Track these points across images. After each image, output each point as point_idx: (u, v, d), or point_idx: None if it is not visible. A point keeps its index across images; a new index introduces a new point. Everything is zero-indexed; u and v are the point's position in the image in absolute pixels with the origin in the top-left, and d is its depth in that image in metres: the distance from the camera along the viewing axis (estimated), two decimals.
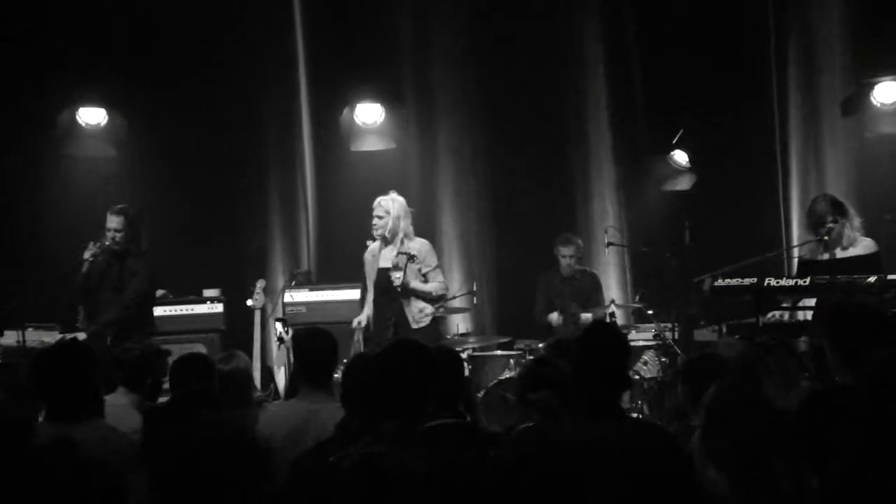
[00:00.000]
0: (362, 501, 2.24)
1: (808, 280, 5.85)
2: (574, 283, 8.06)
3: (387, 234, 7.00)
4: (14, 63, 8.56)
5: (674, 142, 8.77)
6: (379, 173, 8.58)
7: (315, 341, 4.40)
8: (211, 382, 4.38)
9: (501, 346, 7.76)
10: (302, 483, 3.27)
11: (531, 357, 6.70)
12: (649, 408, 6.90)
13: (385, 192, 7.14)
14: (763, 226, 8.53)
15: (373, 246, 7.18)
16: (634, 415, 6.62)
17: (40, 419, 3.80)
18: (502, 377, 7.08)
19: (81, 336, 6.67)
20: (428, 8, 9.07)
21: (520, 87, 8.92)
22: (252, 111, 8.95)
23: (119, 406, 4.45)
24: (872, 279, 5.67)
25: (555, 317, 7.86)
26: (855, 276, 5.74)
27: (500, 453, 3.07)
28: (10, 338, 7.16)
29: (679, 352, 6.97)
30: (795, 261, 6.84)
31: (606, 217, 8.93)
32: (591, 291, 8.10)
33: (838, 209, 6.37)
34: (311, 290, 8.22)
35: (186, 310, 8.13)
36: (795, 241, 7.96)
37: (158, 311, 7.67)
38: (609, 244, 8.18)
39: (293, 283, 8.28)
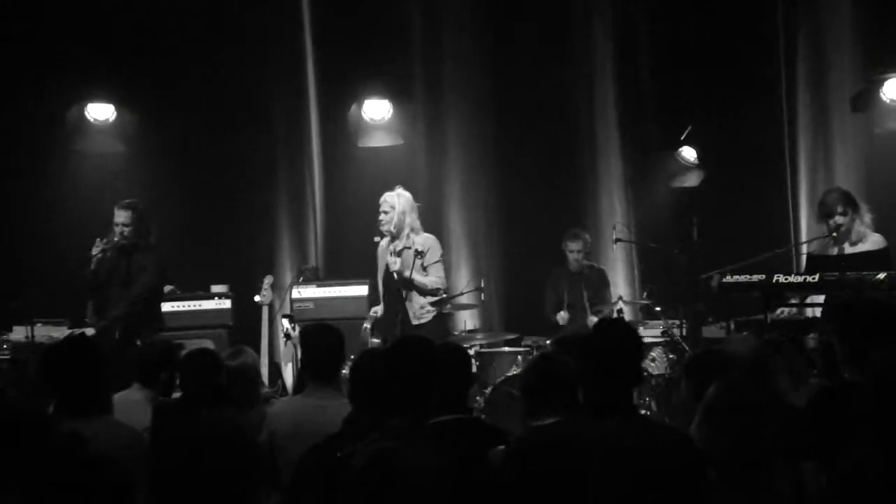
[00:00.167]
0: (375, 497, 2.24)
1: (816, 276, 5.84)
2: (582, 278, 8.05)
3: (392, 230, 7.01)
4: (23, 59, 8.58)
5: (682, 138, 8.75)
6: (386, 169, 8.58)
7: (322, 337, 4.40)
8: (219, 378, 4.39)
9: (509, 343, 7.75)
10: (309, 478, 3.28)
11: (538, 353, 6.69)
12: (657, 404, 6.89)
13: (392, 188, 7.15)
14: (771, 222, 8.50)
15: (384, 241, 7.19)
16: (643, 412, 6.61)
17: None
18: (509, 374, 7.07)
19: (90, 331, 6.68)
20: (436, 4, 9.06)
21: (527, 83, 8.91)
22: (260, 107, 8.96)
23: (133, 402, 4.45)
24: (882, 275, 5.65)
25: (563, 315, 7.85)
26: (864, 273, 5.72)
27: (506, 451, 3.06)
28: (19, 333, 7.19)
29: (687, 348, 6.96)
30: (804, 257, 6.82)
31: (614, 213, 8.92)
32: (599, 287, 8.08)
33: (849, 202, 6.36)
34: (319, 286, 8.23)
35: (194, 305, 8.14)
36: (804, 238, 7.94)
37: (166, 306, 7.68)
38: (617, 240, 8.17)
39: (301, 279, 8.28)
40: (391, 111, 8.97)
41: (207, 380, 4.27)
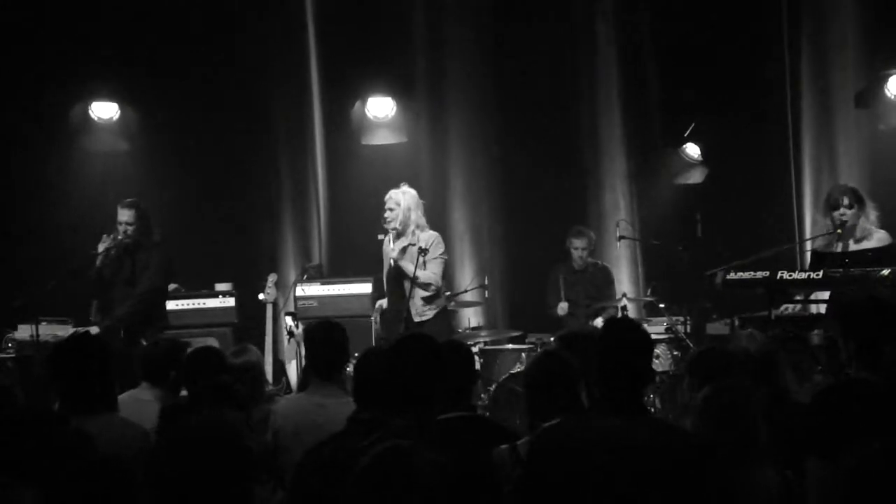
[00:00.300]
0: (383, 496, 2.23)
1: (820, 273, 5.83)
2: (586, 275, 8.05)
3: (398, 227, 7.01)
4: (27, 57, 8.59)
5: (686, 135, 8.74)
6: (390, 167, 8.58)
7: (326, 335, 4.40)
8: (223, 377, 4.39)
9: (513, 340, 7.76)
10: (313, 476, 3.28)
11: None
12: (661, 402, 6.89)
13: (396, 186, 7.15)
14: (775, 219, 8.49)
15: (388, 238, 7.18)
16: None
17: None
18: (513, 371, 7.08)
19: (94, 330, 6.69)
20: (439, 2, 9.06)
21: (531, 80, 8.90)
22: (264, 104, 8.96)
23: (142, 401, 4.46)
24: (886, 272, 5.64)
25: (563, 306, 7.83)
26: (868, 269, 5.72)
27: (525, 449, 3.05)
28: (24, 331, 7.20)
29: (691, 345, 6.95)
30: (808, 254, 6.81)
31: (618, 210, 8.91)
32: (602, 284, 8.08)
33: (856, 197, 6.36)
34: (323, 283, 8.23)
35: (198, 304, 8.15)
36: (808, 234, 7.93)
37: (171, 305, 7.70)
38: (621, 237, 8.17)
39: (305, 276, 8.29)
40: (395, 109, 8.97)
41: (212, 378, 4.27)
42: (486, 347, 7.58)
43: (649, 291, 8.06)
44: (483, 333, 7.77)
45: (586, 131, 9.09)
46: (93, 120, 8.89)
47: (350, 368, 4.56)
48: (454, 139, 9.12)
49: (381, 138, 9.07)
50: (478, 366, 6.43)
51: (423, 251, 6.87)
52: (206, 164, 8.85)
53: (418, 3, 9.05)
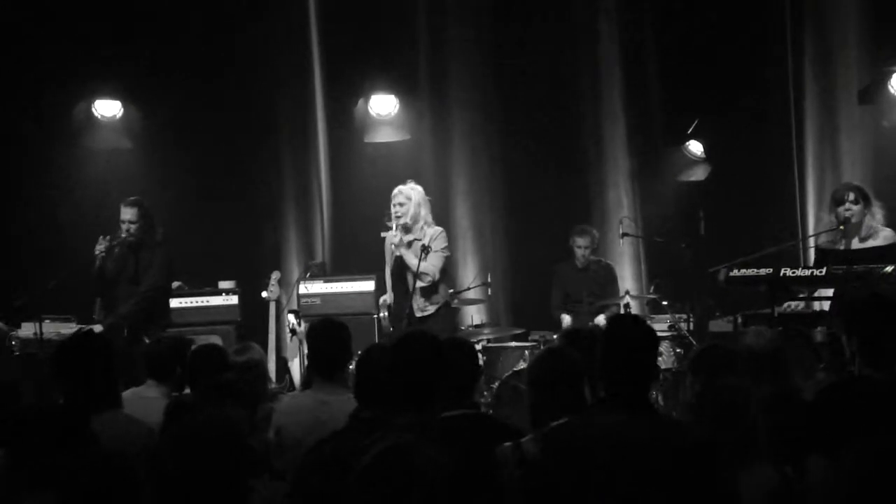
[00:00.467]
0: (387, 493, 2.24)
1: (823, 270, 5.82)
2: (589, 273, 8.05)
3: (408, 221, 7.02)
4: (30, 55, 8.60)
5: (689, 132, 8.73)
6: (393, 164, 8.58)
7: (329, 333, 4.40)
8: (227, 375, 4.39)
9: (516, 338, 7.75)
10: (315, 474, 3.28)
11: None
12: (664, 399, 6.89)
13: (399, 184, 7.15)
14: (779, 216, 8.48)
15: (391, 234, 7.18)
16: None
17: None
18: (517, 368, 7.08)
19: (98, 328, 6.70)
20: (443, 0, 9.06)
21: (534, 77, 8.89)
22: (267, 102, 8.96)
23: (147, 398, 4.47)
24: (890, 269, 5.63)
25: (567, 319, 7.83)
26: (872, 266, 5.71)
27: (537, 447, 3.05)
28: (28, 329, 7.21)
29: (694, 342, 6.95)
30: (812, 251, 6.81)
31: (621, 208, 8.91)
32: (606, 282, 8.08)
33: (861, 194, 6.35)
34: (326, 281, 8.23)
35: (202, 302, 8.16)
36: (811, 232, 7.92)
37: (174, 302, 7.71)
38: (624, 235, 8.17)
39: (308, 274, 8.29)
40: (398, 106, 8.96)
41: (215, 376, 4.27)
42: (489, 345, 7.58)
43: (652, 289, 8.05)
44: (486, 331, 7.76)
45: (589, 129, 9.08)
46: (96, 118, 8.90)
47: (353, 366, 4.56)
48: (457, 137, 9.11)
49: (384, 136, 9.07)
50: (481, 363, 6.43)
51: (426, 248, 6.88)
52: (209, 161, 8.85)
53: (421, 1, 9.04)
